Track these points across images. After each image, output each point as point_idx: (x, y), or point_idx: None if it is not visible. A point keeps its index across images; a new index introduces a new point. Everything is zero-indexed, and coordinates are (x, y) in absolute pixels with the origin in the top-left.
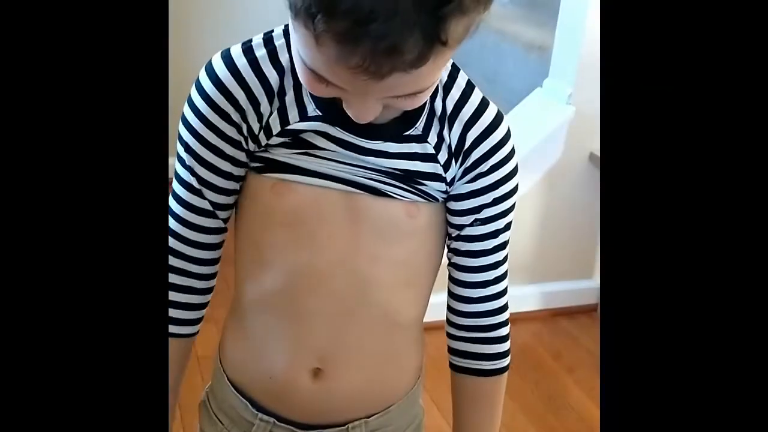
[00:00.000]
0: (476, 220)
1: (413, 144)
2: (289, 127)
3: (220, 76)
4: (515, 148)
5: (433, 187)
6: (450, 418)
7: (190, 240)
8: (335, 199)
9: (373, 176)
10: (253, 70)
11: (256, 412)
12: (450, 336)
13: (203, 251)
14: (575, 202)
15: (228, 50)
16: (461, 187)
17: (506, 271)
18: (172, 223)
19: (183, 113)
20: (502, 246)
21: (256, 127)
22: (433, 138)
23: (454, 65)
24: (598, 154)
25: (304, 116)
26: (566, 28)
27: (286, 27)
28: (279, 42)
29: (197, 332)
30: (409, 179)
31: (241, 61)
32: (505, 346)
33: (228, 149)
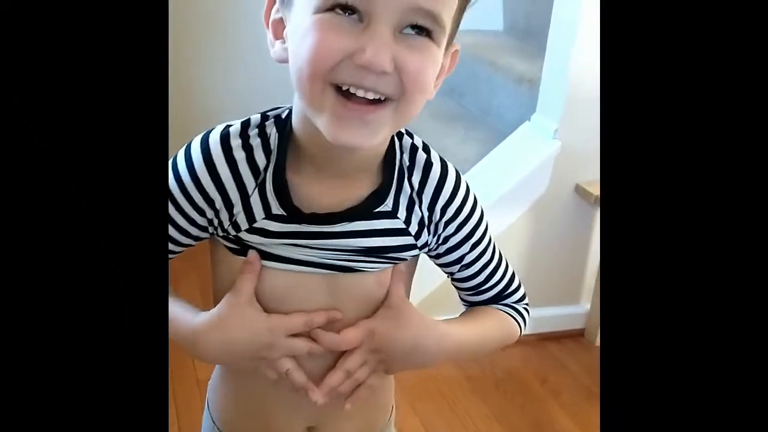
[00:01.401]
0: (462, 266)
1: (384, 220)
2: (256, 225)
3: (197, 171)
4: (475, 195)
5: (405, 254)
6: None
7: None
8: (314, 282)
9: (347, 257)
10: (231, 174)
11: None
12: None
13: None
14: (561, 232)
15: (207, 140)
16: (437, 249)
17: (505, 271)
18: None
19: None
20: (497, 267)
21: (226, 223)
22: (402, 213)
23: (413, 145)
24: (584, 186)
25: (269, 214)
26: (553, 65)
27: (262, 120)
28: (255, 141)
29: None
30: (381, 253)
31: (220, 162)
32: (521, 307)
33: (193, 231)
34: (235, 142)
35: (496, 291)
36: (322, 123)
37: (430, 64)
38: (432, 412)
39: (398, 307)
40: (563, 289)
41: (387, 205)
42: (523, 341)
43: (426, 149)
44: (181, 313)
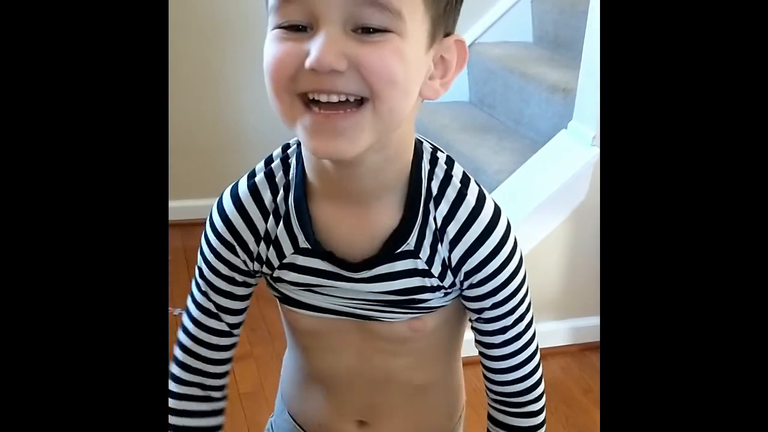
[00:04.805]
0: (479, 318)
1: (407, 261)
2: (285, 261)
3: (228, 214)
4: (516, 242)
5: (435, 297)
6: None
7: (204, 357)
8: (343, 325)
9: (371, 307)
10: (259, 209)
11: None
12: (487, 398)
13: (217, 366)
14: None
15: (236, 187)
16: (462, 292)
17: (532, 353)
18: (185, 341)
19: (200, 245)
20: (518, 336)
21: (260, 261)
22: (425, 253)
23: (447, 174)
24: None
25: (296, 248)
26: (589, 72)
27: (284, 151)
28: (279, 175)
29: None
30: (407, 298)
31: (247, 201)
32: (535, 420)
33: (239, 277)
34: (260, 178)
35: (514, 362)
36: (300, 137)
37: (395, 57)
38: (474, 424)
39: None
40: None
41: (409, 244)
42: (565, 351)
43: (464, 180)
44: None
